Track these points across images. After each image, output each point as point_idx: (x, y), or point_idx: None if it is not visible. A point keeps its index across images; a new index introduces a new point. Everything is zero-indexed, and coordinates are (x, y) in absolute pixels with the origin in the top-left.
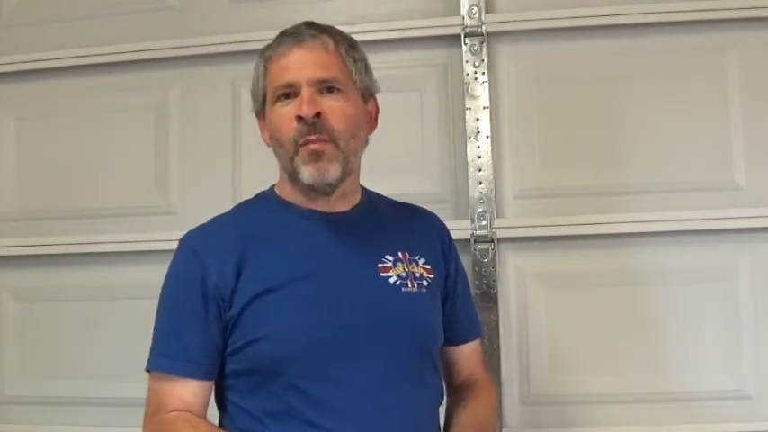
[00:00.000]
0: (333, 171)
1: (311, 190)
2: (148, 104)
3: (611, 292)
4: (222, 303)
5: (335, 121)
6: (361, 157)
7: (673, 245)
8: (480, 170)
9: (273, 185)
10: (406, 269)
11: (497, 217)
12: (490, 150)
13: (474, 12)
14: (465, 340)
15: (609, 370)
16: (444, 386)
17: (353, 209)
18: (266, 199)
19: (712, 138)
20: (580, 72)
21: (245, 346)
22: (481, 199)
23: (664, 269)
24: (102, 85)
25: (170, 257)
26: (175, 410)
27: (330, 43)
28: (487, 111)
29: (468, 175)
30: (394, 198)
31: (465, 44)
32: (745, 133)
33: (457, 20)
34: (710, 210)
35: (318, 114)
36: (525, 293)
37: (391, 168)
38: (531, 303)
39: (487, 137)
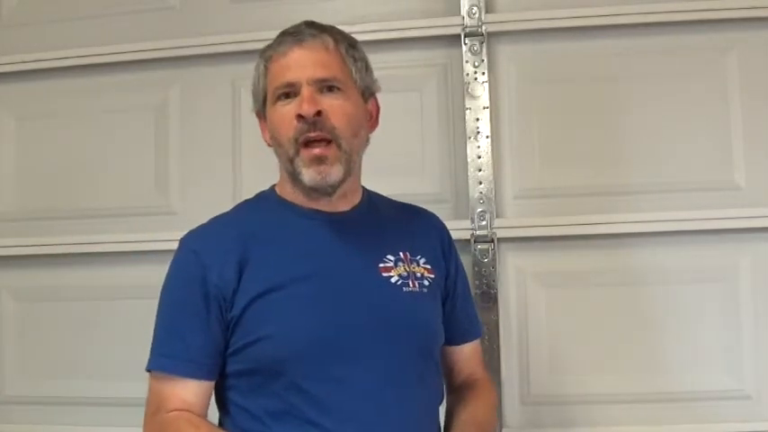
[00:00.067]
0: (335, 173)
1: (313, 191)
2: (148, 104)
3: (611, 292)
4: (224, 303)
5: (336, 120)
6: (362, 156)
7: (673, 245)
8: (480, 170)
9: (274, 185)
10: (408, 269)
11: (497, 217)
12: (490, 150)
13: (474, 12)
14: (465, 340)
15: (609, 370)
16: (444, 386)
17: (354, 208)
18: (267, 198)
19: (712, 138)
20: (580, 72)
21: (246, 346)
22: (481, 199)
23: (664, 269)
24: (102, 85)
25: (170, 257)
26: (176, 410)
27: (330, 42)
28: (487, 111)
29: (468, 175)
30: (394, 198)
31: (465, 44)
32: (745, 133)
33: (457, 20)
34: (710, 210)
35: (319, 113)
36: (525, 293)
37: (391, 168)
38: (531, 303)
39: (487, 137)
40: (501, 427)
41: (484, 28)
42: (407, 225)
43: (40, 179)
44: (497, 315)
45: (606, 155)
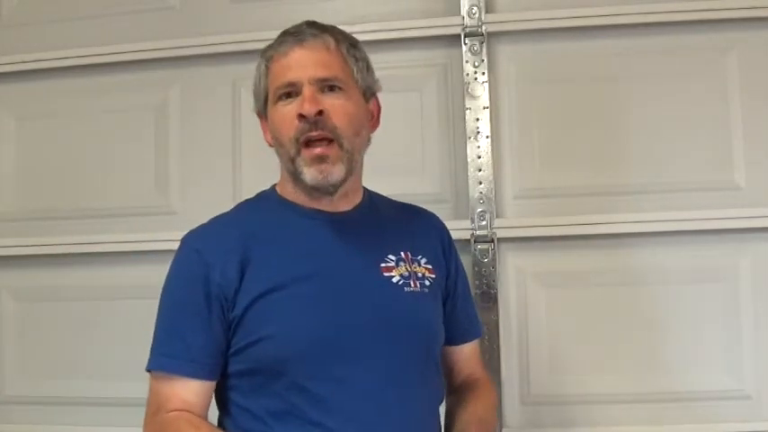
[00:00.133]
0: (337, 172)
1: (314, 190)
2: (148, 104)
3: (611, 292)
4: (225, 303)
5: (338, 119)
6: (363, 156)
7: (673, 245)
8: (480, 170)
9: (274, 185)
10: (409, 269)
11: (497, 217)
12: (490, 150)
13: (474, 12)
14: (465, 340)
15: (609, 370)
16: (444, 386)
17: (355, 208)
18: (268, 198)
19: (712, 138)
20: (580, 72)
21: (248, 346)
22: (481, 199)
23: (664, 269)
24: (102, 85)
25: (170, 257)
26: (176, 410)
27: (331, 42)
28: (487, 111)
29: (468, 175)
30: (394, 198)
31: (465, 44)
32: (745, 133)
33: (457, 20)
34: (710, 210)
35: (320, 112)
36: (525, 293)
37: (391, 168)
38: (531, 303)
39: (487, 137)
40: (501, 427)
41: (484, 28)
42: (408, 225)
43: (40, 179)
44: (497, 315)
45: (606, 155)
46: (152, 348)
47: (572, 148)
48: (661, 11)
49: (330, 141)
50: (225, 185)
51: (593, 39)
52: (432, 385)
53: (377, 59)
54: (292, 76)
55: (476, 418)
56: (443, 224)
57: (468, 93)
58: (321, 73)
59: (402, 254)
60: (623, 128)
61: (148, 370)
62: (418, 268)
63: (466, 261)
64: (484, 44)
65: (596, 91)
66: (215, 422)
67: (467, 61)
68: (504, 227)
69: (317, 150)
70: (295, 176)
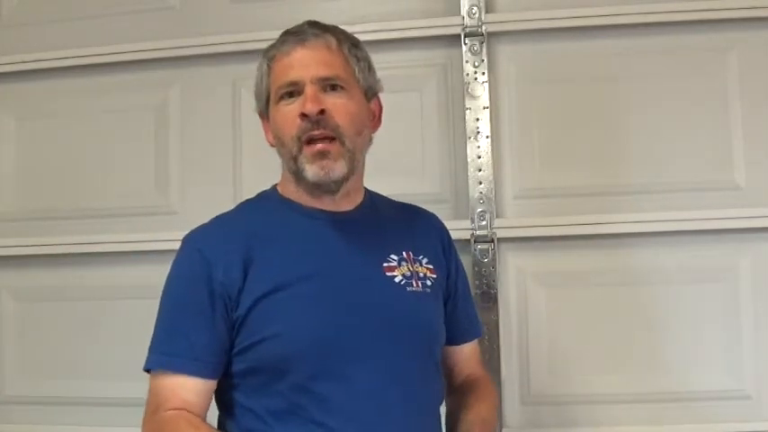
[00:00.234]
0: (338, 169)
1: (316, 188)
2: (148, 104)
3: (612, 292)
4: (229, 302)
5: (340, 118)
6: (365, 155)
7: (673, 245)
8: (480, 170)
9: (275, 185)
10: (411, 269)
11: (497, 217)
12: (490, 150)
13: (474, 12)
14: (465, 340)
15: (609, 370)
16: (445, 386)
17: (357, 208)
18: (269, 198)
19: (712, 138)
20: (580, 72)
21: (252, 346)
22: (481, 199)
23: (664, 269)
24: (102, 85)
25: (171, 257)
26: (175, 409)
27: (333, 42)
28: (487, 111)
29: (468, 175)
30: (394, 198)
31: (465, 44)
32: (745, 133)
33: (457, 20)
34: (710, 210)
35: (323, 111)
36: (525, 293)
37: (391, 168)
38: (531, 303)
39: (487, 137)
40: (501, 427)
41: (484, 28)
42: (408, 225)
43: (40, 179)
44: (497, 315)
45: (606, 155)
46: (152, 348)
47: (572, 148)
48: (661, 11)
49: (332, 139)
50: (225, 185)
51: (593, 39)
52: (432, 385)
53: (377, 59)
54: (294, 75)
55: (480, 419)
56: (443, 224)
57: (468, 93)
58: (323, 72)
59: (404, 254)
60: (623, 128)
61: (148, 369)
62: (420, 268)
63: (466, 261)
64: (484, 44)
65: (596, 91)
66: (214, 423)
67: (467, 61)
68: (504, 227)
69: (319, 146)
70: (297, 175)
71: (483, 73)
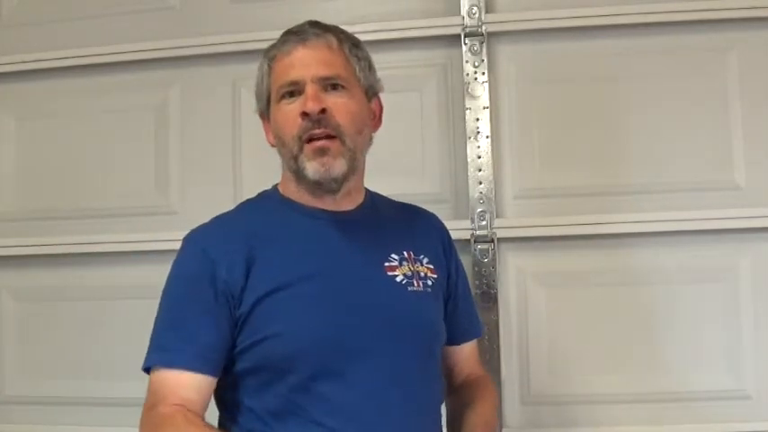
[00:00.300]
0: (338, 166)
1: (317, 187)
2: (148, 104)
3: (612, 292)
4: (232, 300)
5: (341, 117)
6: (366, 155)
7: (673, 245)
8: (480, 170)
9: (276, 185)
10: (412, 268)
11: (497, 217)
12: (490, 150)
13: (474, 12)
14: (465, 340)
15: (609, 370)
16: (445, 386)
17: (358, 208)
18: (270, 198)
19: (712, 138)
20: (580, 72)
21: (254, 345)
22: (481, 199)
23: (664, 269)
24: (102, 85)
25: (171, 257)
26: (174, 405)
27: (334, 42)
28: (487, 111)
29: (468, 175)
30: (394, 198)
31: (465, 44)
32: (745, 133)
33: (457, 20)
34: (710, 210)
35: (323, 110)
36: (525, 293)
37: (391, 168)
38: (531, 303)
39: (487, 137)
40: (501, 427)
41: (484, 28)
42: (409, 225)
43: (40, 179)
44: (497, 315)
45: (606, 155)
46: (152, 346)
47: (572, 148)
48: (661, 11)
49: (332, 138)
50: (225, 185)
51: (593, 39)
52: (433, 385)
53: (377, 59)
54: (295, 74)
55: (482, 420)
56: (443, 224)
57: (468, 93)
58: (324, 71)
59: (405, 253)
60: (623, 128)
61: (147, 367)
62: (421, 268)
63: (466, 261)
64: (484, 44)
65: (596, 91)
66: (214, 423)
67: (467, 61)
68: (504, 227)
69: (319, 143)
70: (298, 174)
71: (483, 73)
